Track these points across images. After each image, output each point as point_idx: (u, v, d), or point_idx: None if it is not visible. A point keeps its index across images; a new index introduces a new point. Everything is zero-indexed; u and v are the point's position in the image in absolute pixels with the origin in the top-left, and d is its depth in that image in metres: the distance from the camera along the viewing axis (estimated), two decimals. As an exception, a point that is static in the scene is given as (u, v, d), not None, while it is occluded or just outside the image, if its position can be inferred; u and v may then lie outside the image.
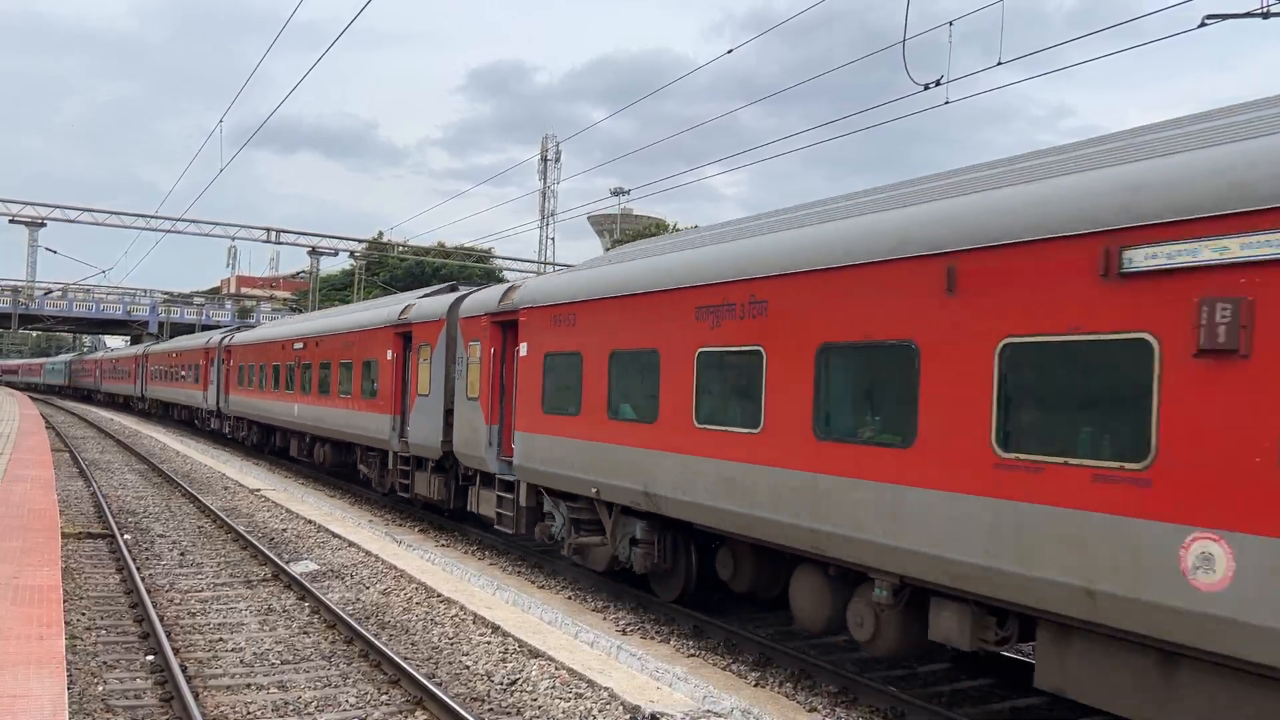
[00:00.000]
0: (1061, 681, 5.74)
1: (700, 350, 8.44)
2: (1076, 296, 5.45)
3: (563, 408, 10.53)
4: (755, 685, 8.01)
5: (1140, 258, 5.18)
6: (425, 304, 15.21)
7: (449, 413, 13.67)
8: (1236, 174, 4.87)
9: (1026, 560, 5.63)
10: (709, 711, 6.50)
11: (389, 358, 16.12)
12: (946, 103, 11.32)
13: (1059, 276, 5.56)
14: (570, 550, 10.66)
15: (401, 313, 15.84)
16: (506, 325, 12.24)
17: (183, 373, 34.31)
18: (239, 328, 34.84)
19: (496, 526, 12.40)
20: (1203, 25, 10.17)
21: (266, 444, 25.50)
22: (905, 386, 6.47)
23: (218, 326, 72.04)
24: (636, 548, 9.73)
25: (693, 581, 9.74)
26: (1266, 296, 4.65)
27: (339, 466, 19.79)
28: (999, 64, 10.66)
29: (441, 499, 14.32)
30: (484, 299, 12.95)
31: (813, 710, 7.46)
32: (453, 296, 14.35)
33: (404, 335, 15.78)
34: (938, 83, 10.92)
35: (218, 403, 29.41)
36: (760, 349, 7.76)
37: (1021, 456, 5.70)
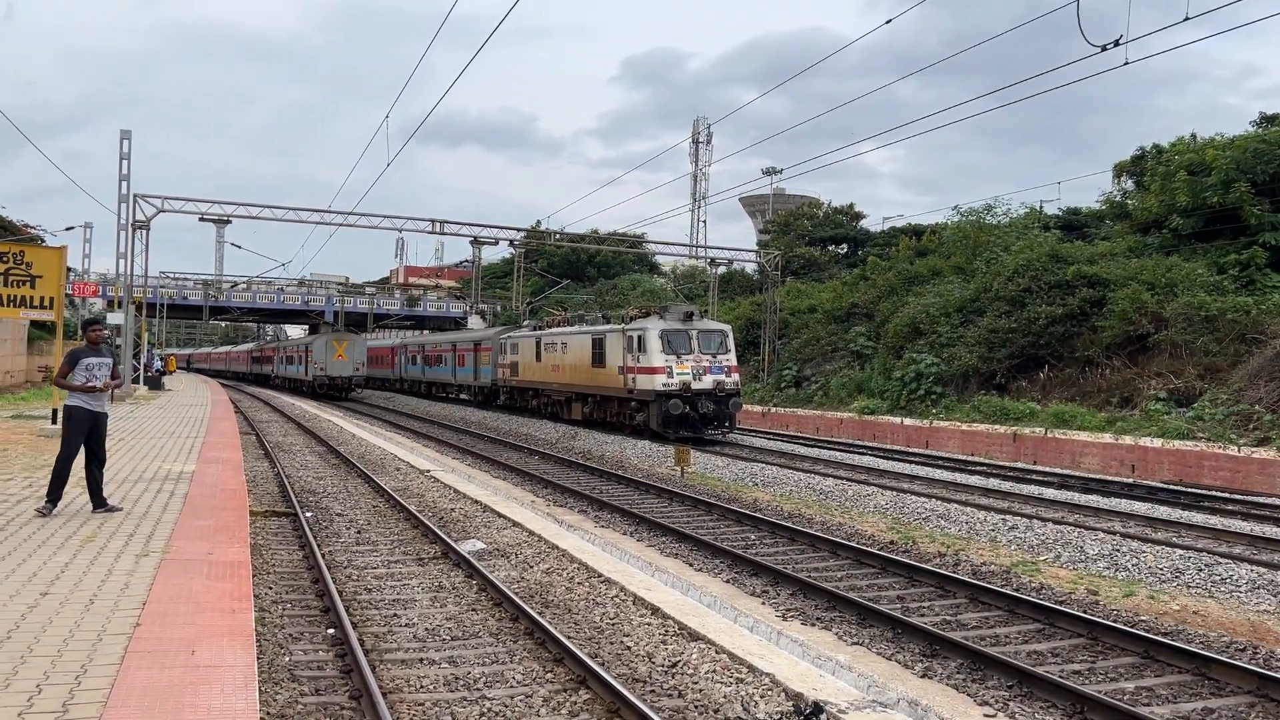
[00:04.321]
0: None
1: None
2: None
3: None
4: (922, 676, 7.77)
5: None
6: None
7: None
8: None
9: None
10: (874, 701, 6.32)
11: None
12: (1126, 63, 10.59)
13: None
14: None
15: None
16: None
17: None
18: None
19: None
20: None
21: None
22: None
23: (387, 316, 75.37)
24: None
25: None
26: None
27: None
28: (1185, 19, 9.89)
29: None
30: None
31: (984, 704, 7.17)
32: None
33: None
34: (1116, 43, 10.21)
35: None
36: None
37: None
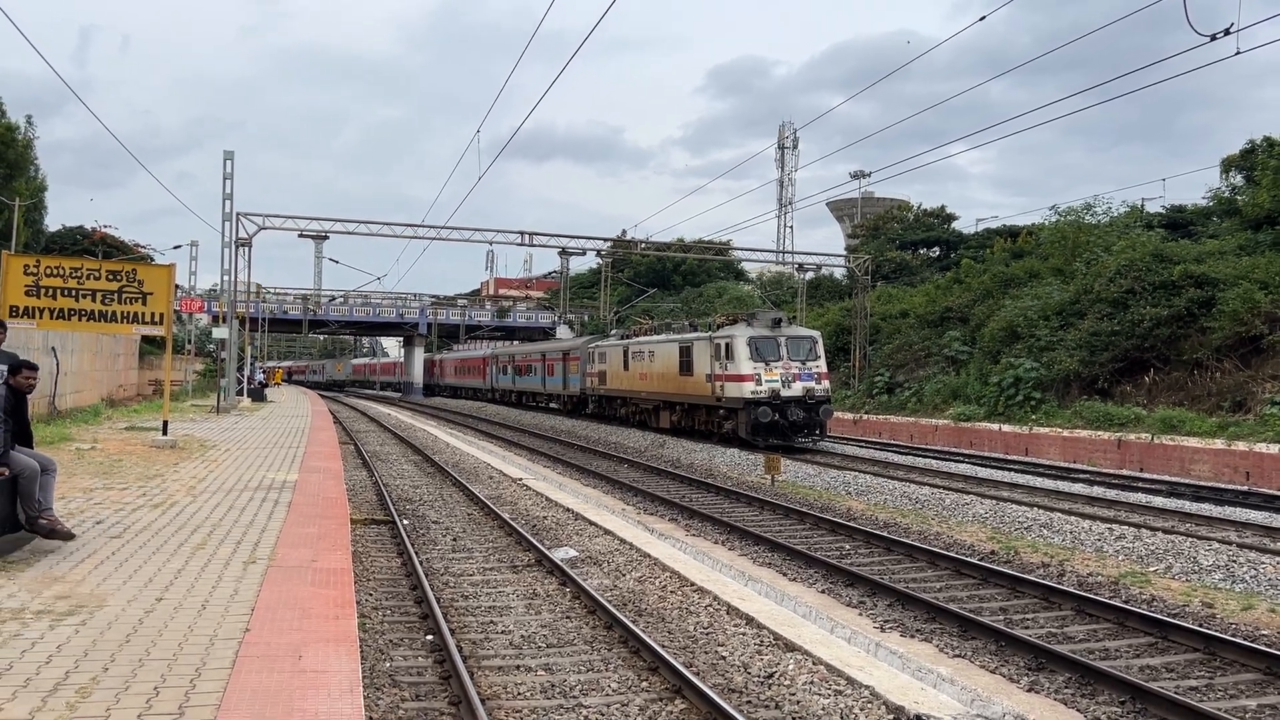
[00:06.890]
0: None
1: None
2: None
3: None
4: (1028, 690, 7.53)
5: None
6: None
7: None
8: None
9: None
10: (979, 716, 6.15)
11: None
12: (1238, 53, 10.12)
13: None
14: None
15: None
16: None
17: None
18: None
19: None
20: None
21: None
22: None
23: (478, 327, 76.52)
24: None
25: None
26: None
27: None
28: (1299, 3, 9.39)
29: None
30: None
31: (1095, 720, 6.91)
32: None
33: None
34: (1226, 31, 9.75)
35: None
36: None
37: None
